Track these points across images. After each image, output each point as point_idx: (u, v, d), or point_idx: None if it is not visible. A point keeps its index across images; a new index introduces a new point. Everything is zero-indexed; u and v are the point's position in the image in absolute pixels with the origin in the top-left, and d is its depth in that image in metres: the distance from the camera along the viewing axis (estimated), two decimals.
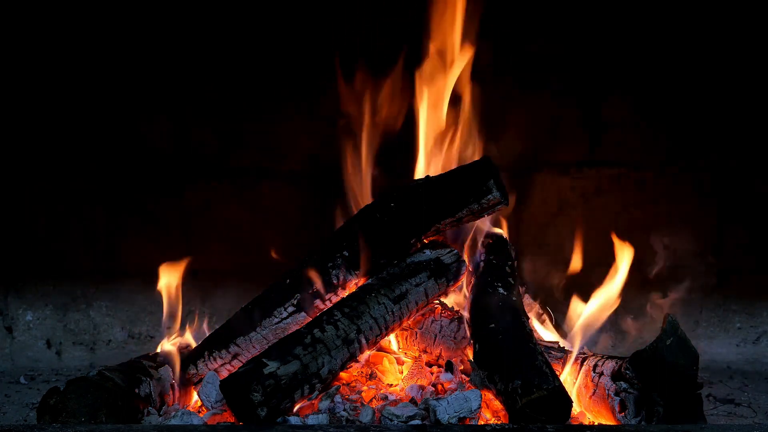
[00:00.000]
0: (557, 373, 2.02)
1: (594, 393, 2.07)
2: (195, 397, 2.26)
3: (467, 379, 2.17)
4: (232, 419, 2.00)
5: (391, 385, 2.25)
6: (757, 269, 3.19)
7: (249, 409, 1.91)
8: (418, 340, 2.36)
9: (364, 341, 2.12)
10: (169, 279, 2.42)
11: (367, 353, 2.24)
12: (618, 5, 3.05)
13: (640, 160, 3.16)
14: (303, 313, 2.28)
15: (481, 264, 2.41)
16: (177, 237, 3.14)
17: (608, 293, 2.39)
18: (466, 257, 2.41)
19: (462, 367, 2.26)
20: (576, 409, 2.11)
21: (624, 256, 2.42)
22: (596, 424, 2.05)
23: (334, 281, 2.30)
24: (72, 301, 3.17)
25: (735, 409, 2.54)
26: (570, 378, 2.17)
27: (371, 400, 2.11)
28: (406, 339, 2.38)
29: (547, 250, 3.11)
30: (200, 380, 2.24)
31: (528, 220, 3.17)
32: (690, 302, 3.21)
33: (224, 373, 2.21)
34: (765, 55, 3.07)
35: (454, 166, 2.48)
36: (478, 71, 2.82)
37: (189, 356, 2.31)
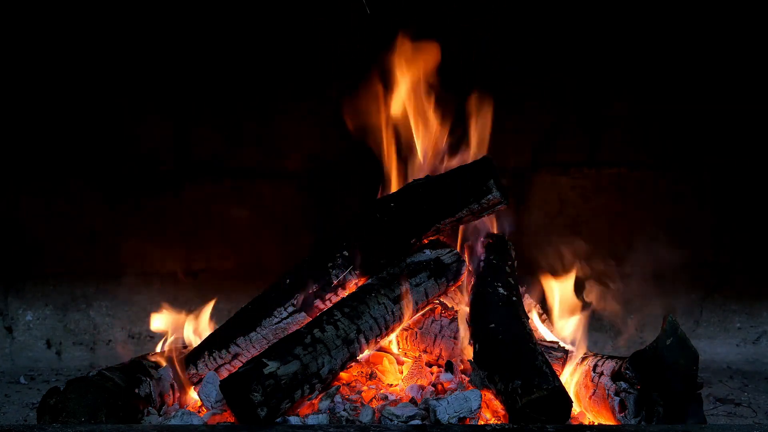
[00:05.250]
0: (557, 373, 2.02)
1: (594, 393, 2.07)
2: (195, 397, 2.26)
3: (467, 379, 2.17)
4: (232, 419, 2.00)
5: (391, 385, 2.25)
6: (756, 269, 3.19)
7: (249, 409, 1.91)
8: (418, 340, 2.36)
9: (364, 341, 2.12)
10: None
11: (367, 353, 2.24)
12: (621, 7, 3.05)
13: (640, 160, 3.17)
14: (303, 313, 2.28)
15: (481, 264, 2.41)
16: (177, 237, 3.14)
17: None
18: (466, 257, 2.41)
19: (462, 367, 2.26)
20: (576, 409, 2.11)
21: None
22: (596, 424, 2.05)
23: (334, 281, 2.30)
24: (72, 301, 3.17)
25: (735, 409, 2.54)
26: (570, 378, 2.17)
27: (371, 400, 2.11)
28: (406, 339, 2.38)
29: (548, 250, 3.11)
30: (200, 380, 2.24)
31: (528, 220, 3.17)
32: (690, 302, 3.21)
33: (224, 373, 2.21)
34: (765, 54, 3.07)
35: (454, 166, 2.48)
36: (479, 71, 2.84)
37: (189, 356, 2.31)
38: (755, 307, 3.21)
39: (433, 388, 2.17)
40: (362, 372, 2.25)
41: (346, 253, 2.30)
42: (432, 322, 2.33)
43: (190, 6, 3.03)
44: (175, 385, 2.22)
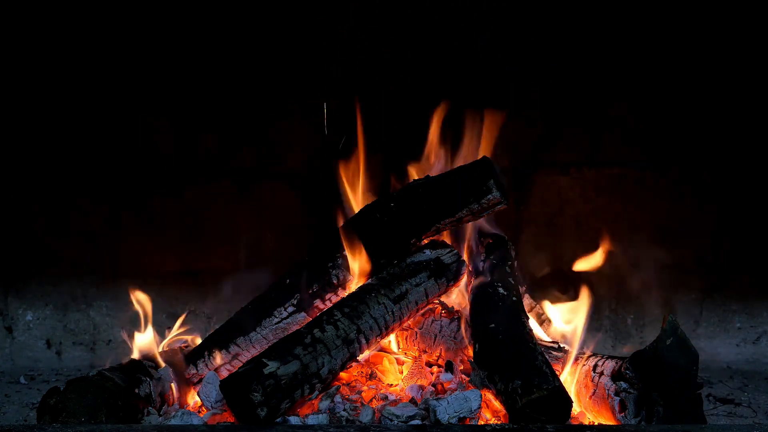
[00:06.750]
0: (557, 373, 2.02)
1: (594, 393, 2.07)
2: (195, 397, 2.26)
3: (467, 379, 2.17)
4: (232, 419, 2.00)
5: (391, 385, 2.25)
6: (756, 269, 3.19)
7: (249, 409, 1.91)
8: (418, 340, 2.36)
9: (364, 341, 2.12)
10: None
11: (367, 353, 2.24)
12: (620, 7, 3.05)
13: (640, 161, 3.16)
14: (303, 313, 2.28)
15: (481, 264, 2.41)
16: (177, 237, 3.14)
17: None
18: (466, 257, 2.41)
19: (462, 367, 2.26)
20: (576, 409, 2.11)
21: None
22: (596, 424, 2.05)
23: (334, 281, 2.30)
24: (72, 301, 3.17)
25: (735, 409, 2.54)
26: (570, 378, 2.17)
27: (371, 400, 2.11)
28: (406, 339, 2.38)
29: (547, 250, 3.11)
30: (200, 380, 2.24)
31: (528, 220, 3.17)
32: (690, 302, 3.21)
33: (224, 373, 2.21)
34: (764, 53, 3.07)
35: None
36: (479, 70, 2.83)
37: (189, 356, 2.31)
38: (755, 307, 3.21)
39: (433, 388, 2.17)
40: (362, 372, 2.25)
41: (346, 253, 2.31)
42: (432, 322, 2.33)
43: (190, 7, 3.03)
44: (175, 384, 2.22)
